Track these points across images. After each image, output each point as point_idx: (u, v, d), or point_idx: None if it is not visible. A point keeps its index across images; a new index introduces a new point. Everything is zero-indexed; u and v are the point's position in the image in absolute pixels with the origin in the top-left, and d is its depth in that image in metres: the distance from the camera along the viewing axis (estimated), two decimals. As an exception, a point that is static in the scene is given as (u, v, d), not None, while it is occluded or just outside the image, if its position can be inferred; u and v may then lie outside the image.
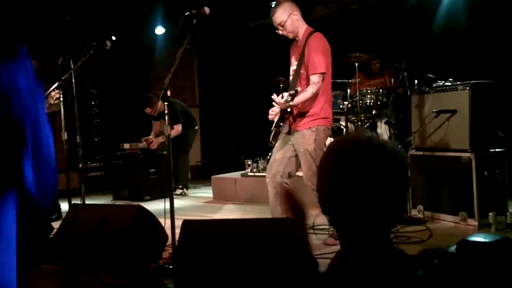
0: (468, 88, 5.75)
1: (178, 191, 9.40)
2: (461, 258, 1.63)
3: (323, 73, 5.04)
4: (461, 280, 1.58)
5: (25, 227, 5.42)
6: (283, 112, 5.14)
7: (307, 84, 5.10)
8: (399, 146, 1.78)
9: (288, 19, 5.16)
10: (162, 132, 9.55)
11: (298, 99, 4.84)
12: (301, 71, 5.20)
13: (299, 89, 4.93)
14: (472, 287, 1.56)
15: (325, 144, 5.37)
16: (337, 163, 1.68)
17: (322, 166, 1.76)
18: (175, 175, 9.12)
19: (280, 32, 5.27)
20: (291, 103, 4.78)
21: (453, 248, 1.67)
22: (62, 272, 4.65)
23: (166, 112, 4.68)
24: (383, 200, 1.62)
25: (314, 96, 5.06)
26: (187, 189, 9.69)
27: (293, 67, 5.36)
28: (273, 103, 5.11)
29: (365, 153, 1.64)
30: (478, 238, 1.68)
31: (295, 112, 5.18)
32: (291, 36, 5.29)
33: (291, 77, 5.42)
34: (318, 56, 5.04)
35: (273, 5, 5.25)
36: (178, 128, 9.23)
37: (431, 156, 6.14)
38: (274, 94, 5.01)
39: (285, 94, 4.78)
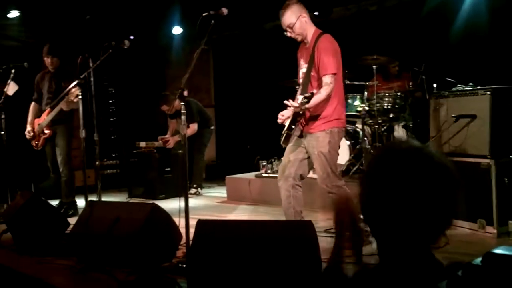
0: (489, 93, 5.66)
1: (193, 190, 9.42)
2: (486, 271, 1.61)
3: (334, 74, 5.03)
4: None
5: (42, 223, 5.49)
6: (295, 115, 5.13)
7: (319, 85, 5.09)
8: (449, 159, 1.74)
9: (297, 22, 5.16)
10: (178, 131, 9.58)
11: (313, 101, 4.82)
12: (312, 73, 5.19)
13: (315, 91, 4.91)
14: None
15: (339, 146, 5.35)
16: (384, 172, 1.66)
17: (368, 174, 1.74)
18: (190, 175, 9.14)
19: (289, 34, 5.26)
20: (307, 105, 4.77)
21: (478, 261, 1.65)
22: (77, 268, 4.68)
23: (182, 111, 4.69)
24: (430, 212, 1.59)
25: (328, 98, 5.05)
26: (201, 189, 9.72)
27: (302, 69, 5.35)
28: (287, 107, 5.10)
29: (415, 163, 1.62)
30: (504, 251, 1.66)
31: (307, 114, 5.17)
32: (299, 38, 5.29)
33: (300, 80, 5.40)
34: (328, 57, 5.02)
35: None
36: (194, 127, 9.24)
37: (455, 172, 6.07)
38: (289, 100, 4.99)
39: (300, 97, 4.77)
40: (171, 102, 9.20)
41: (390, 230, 1.64)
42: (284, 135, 5.28)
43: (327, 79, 5.01)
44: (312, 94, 4.76)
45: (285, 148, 5.45)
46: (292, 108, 5.06)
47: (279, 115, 5.30)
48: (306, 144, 5.27)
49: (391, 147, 1.77)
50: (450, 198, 1.65)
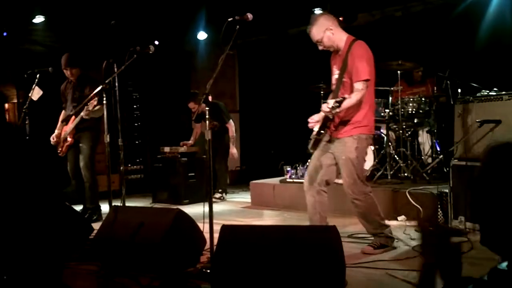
0: (514, 98, 5.65)
1: (217, 195, 9.43)
2: (493, 286, 1.58)
3: (367, 80, 5.00)
4: None
5: (66, 228, 5.51)
6: (325, 120, 5.11)
7: (351, 92, 5.06)
8: None
9: (324, 37, 5.15)
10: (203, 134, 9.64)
11: (343, 106, 4.79)
12: (344, 80, 5.16)
13: (346, 96, 4.88)
14: None
15: (366, 153, 5.33)
16: (496, 165, 1.61)
17: (481, 176, 1.69)
18: (214, 180, 9.17)
19: (320, 47, 5.26)
20: (337, 110, 4.75)
21: (504, 265, 1.62)
22: (101, 273, 4.70)
23: (207, 116, 4.69)
24: None
25: (358, 104, 5.02)
26: (226, 194, 9.72)
27: (335, 76, 5.32)
28: (322, 111, 5.08)
29: None
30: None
31: (337, 120, 5.15)
32: (331, 49, 5.28)
33: (333, 86, 5.38)
34: (362, 63, 5.00)
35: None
36: (232, 124, 9.41)
37: (473, 167, 6.03)
38: (324, 104, 4.98)
39: (331, 101, 4.74)
40: (198, 101, 9.28)
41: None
42: (313, 140, 5.26)
43: (358, 86, 4.98)
44: (344, 99, 4.73)
45: (311, 153, 5.44)
46: (322, 112, 5.05)
47: (309, 119, 5.28)
48: (333, 149, 5.24)
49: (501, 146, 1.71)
50: None
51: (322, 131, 5.18)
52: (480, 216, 1.68)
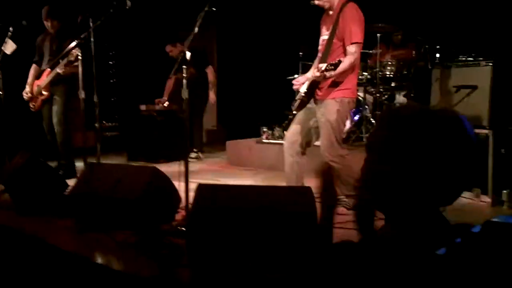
0: (490, 64, 5.68)
1: (193, 155, 9.40)
2: (485, 239, 1.61)
3: (359, 43, 4.98)
4: (485, 261, 1.56)
5: (40, 184, 5.50)
6: (313, 82, 5.10)
7: (340, 54, 5.04)
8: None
9: None
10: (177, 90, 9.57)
11: (338, 70, 4.76)
12: (334, 41, 5.11)
13: (342, 59, 4.83)
14: (495, 269, 1.54)
15: (347, 116, 5.33)
16: (394, 131, 1.64)
17: (376, 135, 1.72)
18: (190, 139, 9.15)
19: (317, 2, 5.18)
20: (332, 73, 4.73)
21: (477, 229, 1.65)
22: (76, 228, 4.69)
23: (184, 75, 4.65)
24: (444, 168, 1.58)
25: (351, 67, 5.00)
26: (201, 153, 9.70)
27: (324, 36, 5.27)
28: (313, 75, 5.04)
29: (427, 121, 1.60)
30: (504, 220, 1.66)
31: (323, 82, 5.12)
32: (327, 5, 5.20)
33: (320, 47, 5.34)
34: (355, 26, 4.96)
35: None
36: (211, 68, 9.42)
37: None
38: (314, 70, 4.95)
39: (323, 65, 4.71)
40: (177, 47, 9.23)
41: (403, 195, 1.63)
42: (299, 101, 5.24)
43: (352, 48, 4.95)
44: (340, 62, 4.71)
45: (291, 114, 5.43)
46: (311, 75, 5.03)
47: (294, 81, 5.27)
48: (316, 110, 5.23)
49: (399, 112, 1.74)
50: (467, 159, 1.63)
51: (310, 93, 5.17)
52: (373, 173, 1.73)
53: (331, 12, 5.19)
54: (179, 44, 9.25)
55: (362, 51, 7.81)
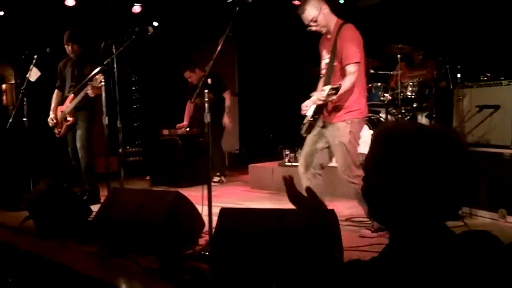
0: (512, 83, 5.66)
1: (216, 179, 9.41)
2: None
3: (358, 63, 4.98)
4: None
5: (64, 209, 5.53)
6: (319, 105, 5.11)
7: (342, 75, 5.05)
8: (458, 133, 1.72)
9: (320, 14, 5.10)
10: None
11: (340, 93, 4.79)
12: (335, 64, 5.14)
13: (341, 83, 4.85)
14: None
15: (359, 136, 5.33)
16: (388, 149, 1.64)
17: (371, 154, 1.73)
18: (213, 163, 9.18)
19: (314, 28, 5.19)
20: (334, 97, 4.74)
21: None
22: (100, 254, 4.71)
23: (206, 99, 4.68)
24: (440, 185, 1.58)
25: (352, 87, 5.00)
26: (224, 177, 9.71)
27: (325, 60, 5.30)
28: (317, 99, 5.06)
29: (421, 138, 1.61)
30: None
31: (329, 105, 5.13)
32: (324, 30, 5.23)
33: (323, 71, 5.37)
34: (352, 46, 4.98)
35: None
36: (228, 93, 9.39)
37: (471, 152, 6.00)
38: (317, 92, 4.97)
39: (326, 88, 4.73)
40: (196, 71, 9.27)
41: (407, 211, 1.62)
42: (307, 124, 5.26)
43: (350, 68, 4.97)
44: (340, 86, 4.73)
45: (306, 137, 5.45)
46: (316, 99, 5.05)
47: (303, 106, 5.29)
48: (327, 134, 5.24)
49: (391, 129, 1.74)
50: (463, 173, 1.63)
51: (317, 116, 5.18)
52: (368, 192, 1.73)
53: (329, 36, 5.22)
54: (198, 70, 9.31)
55: (383, 72, 7.91)
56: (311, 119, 5.20)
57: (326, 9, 5.14)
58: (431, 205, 1.59)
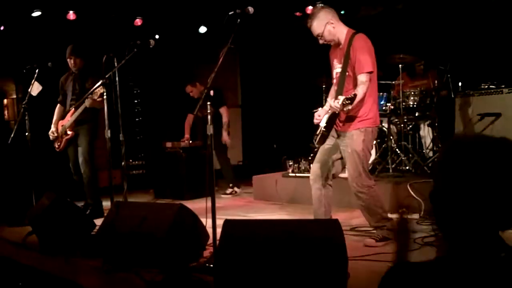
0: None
1: (228, 190, 9.39)
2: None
3: (370, 72, 4.99)
4: None
5: (67, 224, 5.52)
6: (332, 115, 5.11)
7: (354, 85, 5.06)
8: None
9: (325, 30, 5.14)
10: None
11: (355, 102, 4.78)
12: (347, 73, 5.16)
13: (356, 92, 4.85)
14: None
15: (372, 146, 5.32)
16: (457, 160, 1.65)
17: (441, 162, 1.73)
18: (221, 176, 9.24)
19: (321, 41, 5.25)
20: (349, 107, 4.73)
21: None
22: (104, 268, 4.69)
23: (209, 111, 4.68)
24: (503, 199, 1.58)
25: (364, 96, 5.01)
26: (238, 188, 9.58)
27: (337, 69, 5.31)
28: (328, 107, 5.06)
29: (489, 151, 1.61)
30: None
31: (342, 114, 5.13)
32: (332, 43, 5.27)
33: (334, 80, 5.38)
34: (364, 56, 4.99)
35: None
36: (226, 109, 9.29)
37: None
38: (331, 100, 4.96)
39: (341, 98, 4.72)
40: (197, 87, 9.27)
41: (467, 220, 1.62)
42: (320, 135, 5.25)
43: (363, 78, 4.98)
44: (355, 96, 4.72)
45: (315, 147, 5.44)
46: (329, 108, 5.05)
47: (316, 115, 5.29)
48: (340, 143, 5.26)
49: (457, 139, 1.75)
50: None
51: (329, 126, 5.18)
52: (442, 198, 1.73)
53: (340, 46, 5.22)
54: (199, 84, 9.31)
55: (384, 82, 7.91)
56: (324, 129, 5.19)
57: (332, 24, 5.15)
58: (490, 214, 1.59)
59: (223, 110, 9.20)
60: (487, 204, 1.57)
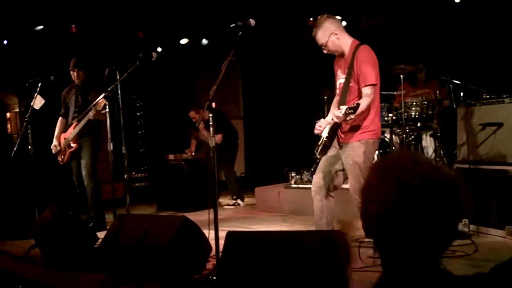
0: (515, 100, 5.66)
1: (231, 202, 9.42)
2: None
3: (374, 85, 5.01)
4: None
5: (70, 237, 5.52)
6: (334, 125, 5.12)
7: (358, 96, 5.07)
8: (450, 168, 1.73)
9: (329, 41, 5.16)
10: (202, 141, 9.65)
11: (357, 113, 4.79)
12: (351, 84, 5.16)
13: (360, 102, 4.85)
14: None
15: (373, 157, 5.32)
16: (384, 186, 1.64)
17: (367, 187, 1.72)
18: (225, 188, 9.22)
19: (325, 51, 5.27)
20: (352, 116, 4.73)
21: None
22: (107, 281, 4.68)
23: (211, 123, 4.69)
24: (433, 226, 1.57)
25: (368, 109, 5.02)
26: (242, 200, 9.64)
27: (340, 80, 5.32)
28: (334, 118, 5.07)
29: (416, 179, 1.60)
30: None
31: (344, 125, 5.15)
32: (336, 53, 5.29)
33: (337, 91, 5.39)
34: (368, 68, 5.00)
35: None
36: (220, 137, 9.22)
37: (477, 169, 6.02)
38: (337, 110, 4.96)
39: (343, 108, 4.73)
40: (200, 112, 9.26)
41: (398, 244, 1.61)
42: (321, 145, 5.26)
43: (367, 90, 4.99)
44: (358, 105, 4.73)
45: (317, 158, 5.44)
46: (334, 118, 5.06)
47: (317, 126, 5.30)
48: (341, 154, 5.25)
49: (389, 160, 1.74)
50: (458, 209, 1.62)
51: (331, 136, 5.18)
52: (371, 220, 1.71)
53: (345, 56, 5.24)
54: (202, 111, 9.32)
55: (386, 92, 7.92)
56: (326, 139, 5.20)
57: (337, 34, 5.17)
58: (421, 239, 1.58)
59: (218, 136, 9.10)
60: (421, 229, 1.56)
